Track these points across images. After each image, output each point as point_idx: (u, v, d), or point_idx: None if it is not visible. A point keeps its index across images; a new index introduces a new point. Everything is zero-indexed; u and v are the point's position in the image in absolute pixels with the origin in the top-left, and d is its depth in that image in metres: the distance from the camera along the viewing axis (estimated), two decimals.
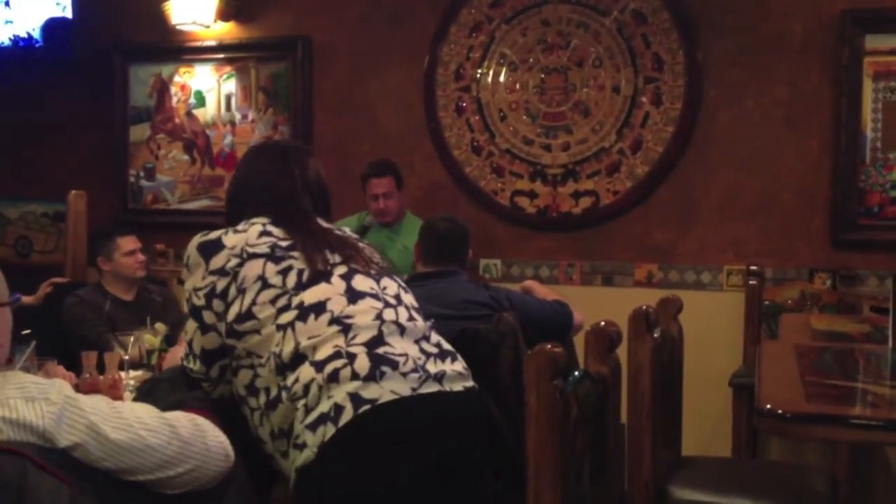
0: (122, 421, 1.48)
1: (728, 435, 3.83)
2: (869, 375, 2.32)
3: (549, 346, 1.67)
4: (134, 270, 3.65)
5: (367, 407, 1.80)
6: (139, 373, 2.90)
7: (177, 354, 2.47)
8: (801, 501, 2.38)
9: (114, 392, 2.57)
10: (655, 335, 2.32)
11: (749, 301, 3.99)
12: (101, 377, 2.69)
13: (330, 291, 1.93)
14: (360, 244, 2.11)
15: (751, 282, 4.00)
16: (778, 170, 4.10)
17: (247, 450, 1.88)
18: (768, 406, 1.81)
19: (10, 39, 5.03)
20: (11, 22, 5.02)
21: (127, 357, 2.92)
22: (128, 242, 3.65)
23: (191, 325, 2.00)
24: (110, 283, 3.64)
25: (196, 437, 1.57)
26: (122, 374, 2.82)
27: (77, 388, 2.26)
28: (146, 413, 1.54)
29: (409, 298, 2.06)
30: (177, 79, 4.96)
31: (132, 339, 2.99)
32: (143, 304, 3.60)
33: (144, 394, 2.01)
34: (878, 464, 3.65)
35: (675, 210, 4.23)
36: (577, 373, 1.86)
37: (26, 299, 3.73)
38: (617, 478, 2.19)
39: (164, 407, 1.64)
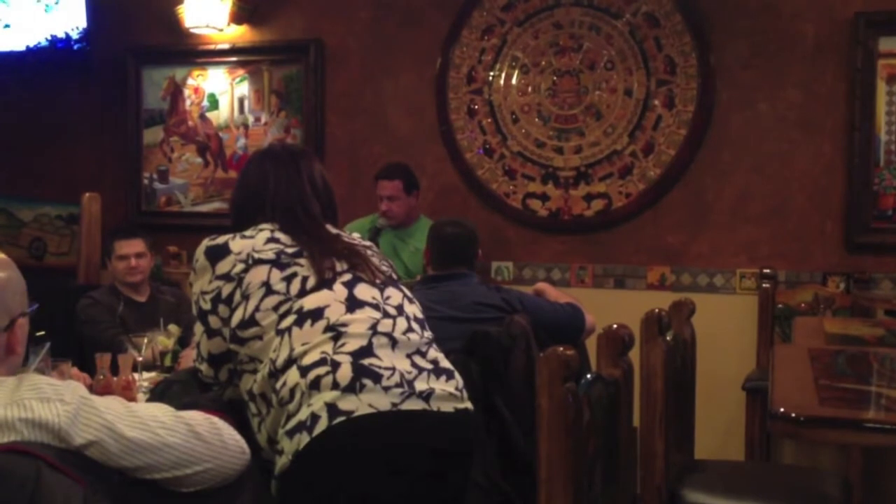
0: (137, 420, 1.49)
1: (741, 438, 3.82)
2: (883, 379, 2.31)
3: (561, 349, 1.67)
4: (123, 275, 3.58)
5: (341, 419, 1.78)
6: (152, 374, 2.91)
7: (190, 357, 2.48)
8: None
9: (127, 393, 2.57)
10: (668, 338, 2.32)
11: (762, 304, 3.98)
12: (115, 379, 2.69)
13: (330, 298, 1.91)
14: (369, 252, 2.09)
15: (764, 285, 3.99)
16: (791, 173, 4.08)
17: (259, 450, 1.89)
18: (782, 409, 1.80)
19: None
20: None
21: (140, 358, 2.94)
22: (122, 246, 3.59)
23: (198, 328, 2.01)
24: (122, 285, 3.65)
25: (213, 435, 1.58)
26: (136, 375, 2.83)
27: (91, 390, 2.28)
28: (161, 412, 1.55)
29: (412, 309, 2.03)
30: (190, 81, 4.98)
31: (145, 340, 3.01)
32: (157, 305, 3.60)
33: (157, 395, 2.02)
34: (893, 467, 3.63)
35: (687, 213, 4.22)
36: (589, 376, 1.86)
37: None
38: (629, 481, 2.19)
39: (178, 408, 1.64)
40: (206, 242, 2.01)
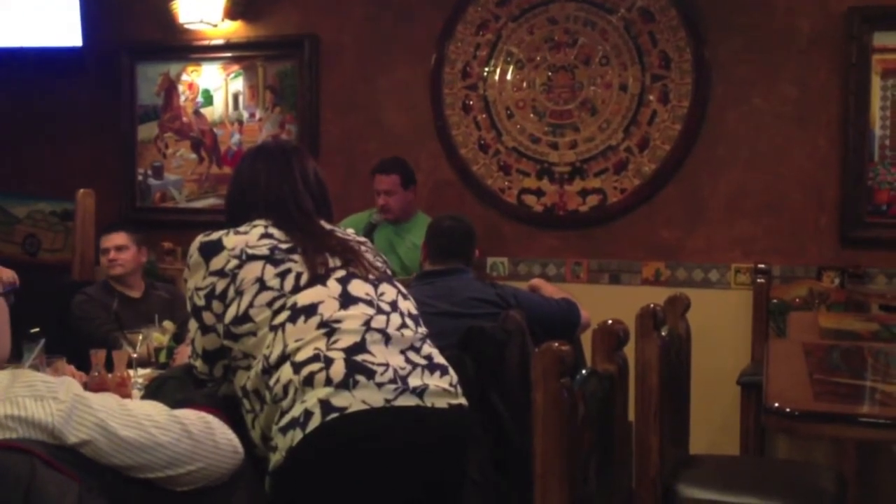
0: (131, 418, 1.49)
1: (736, 433, 3.82)
2: (877, 374, 2.32)
3: (556, 344, 1.67)
4: (105, 268, 3.64)
5: (335, 415, 1.78)
6: (147, 371, 2.91)
7: (185, 353, 2.48)
8: (809, 500, 2.37)
9: (122, 390, 2.57)
10: (663, 333, 2.32)
11: (757, 299, 3.98)
12: (110, 375, 2.69)
13: (324, 294, 1.91)
14: (363, 248, 2.09)
15: (759, 280, 3.99)
16: (786, 168, 4.09)
17: (253, 447, 1.89)
18: (776, 404, 1.81)
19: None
20: None
21: (135, 355, 2.93)
22: (104, 240, 3.66)
23: (192, 325, 2.01)
24: (113, 280, 3.65)
25: (206, 434, 1.58)
26: (131, 372, 2.83)
27: (86, 387, 2.28)
28: (156, 411, 1.55)
29: (407, 305, 2.03)
30: (184, 77, 4.96)
31: (140, 336, 3.00)
32: (151, 301, 3.60)
33: (153, 392, 2.02)
34: (887, 462, 3.64)
35: (682, 208, 4.22)
36: (584, 371, 1.86)
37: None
38: (624, 476, 2.19)
39: (173, 405, 1.64)
40: (199, 238, 2.01)
